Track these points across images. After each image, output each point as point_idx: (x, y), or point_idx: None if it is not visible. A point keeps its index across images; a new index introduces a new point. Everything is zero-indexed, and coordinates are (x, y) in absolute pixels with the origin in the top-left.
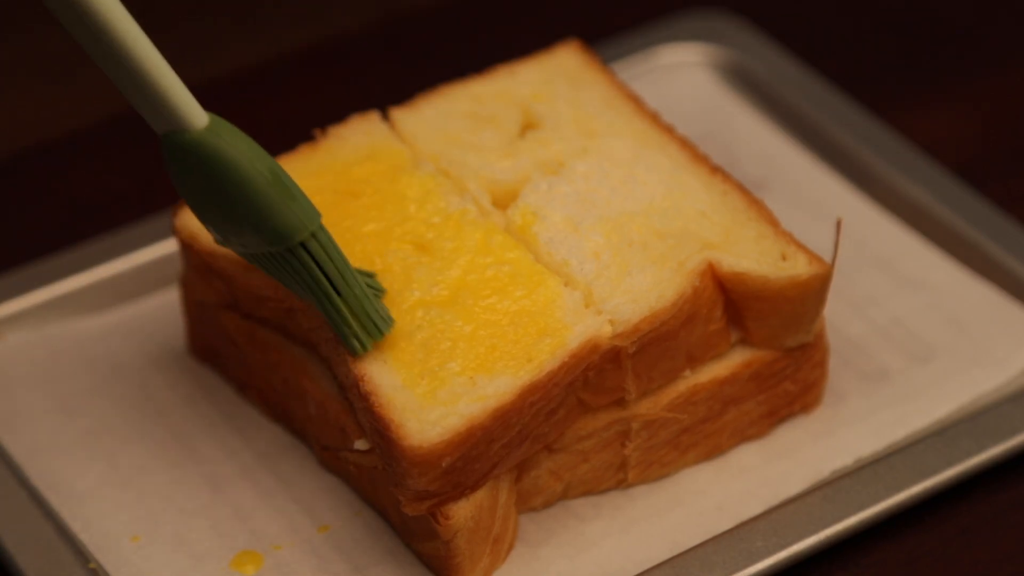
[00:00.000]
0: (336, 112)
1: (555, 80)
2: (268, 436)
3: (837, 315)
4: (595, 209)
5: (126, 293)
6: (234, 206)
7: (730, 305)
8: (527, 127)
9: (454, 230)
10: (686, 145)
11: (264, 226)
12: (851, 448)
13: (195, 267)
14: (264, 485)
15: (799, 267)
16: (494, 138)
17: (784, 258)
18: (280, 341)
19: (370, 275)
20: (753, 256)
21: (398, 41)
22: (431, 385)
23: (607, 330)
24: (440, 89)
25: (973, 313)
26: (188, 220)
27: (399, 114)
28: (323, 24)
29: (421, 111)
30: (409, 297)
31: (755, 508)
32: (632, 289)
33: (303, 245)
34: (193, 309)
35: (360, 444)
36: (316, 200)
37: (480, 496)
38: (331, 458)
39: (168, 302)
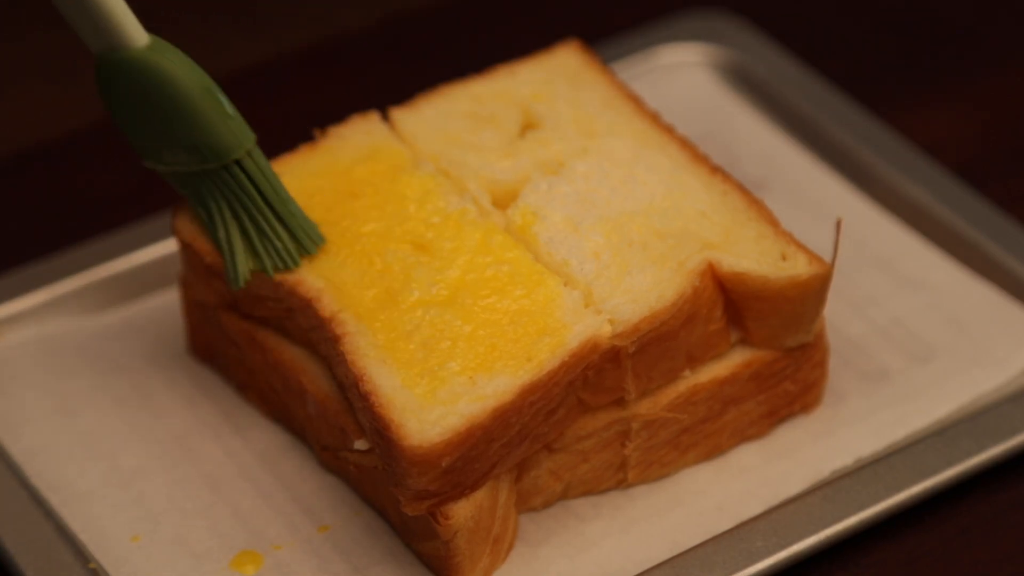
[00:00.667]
0: (336, 112)
1: (555, 80)
2: (268, 436)
3: (837, 315)
4: (595, 209)
5: (126, 293)
6: (170, 123)
7: (730, 305)
8: (527, 127)
9: (454, 230)
10: (686, 145)
11: (202, 143)
12: (851, 448)
13: (195, 267)
14: (264, 485)
15: (799, 267)
16: (494, 138)
17: (784, 258)
18: (280, 341)
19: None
20: (753, 256)
21: (398, 41)
22: (431, 385)
23: (607, 330)
24: (440, 89)
25: (973, 313)
26: (188, 220)
27: (399, 114)
28: (323, 24)
29: (421, 111)
30: (409, 297)
31: (755, 508)
32: (632, 289)
33: (239, 163)
34: (193, 309)
35: (360, 444)
36: (316, 200)
37: (480, 496)
38: (331, 458)
39: (168, 302)
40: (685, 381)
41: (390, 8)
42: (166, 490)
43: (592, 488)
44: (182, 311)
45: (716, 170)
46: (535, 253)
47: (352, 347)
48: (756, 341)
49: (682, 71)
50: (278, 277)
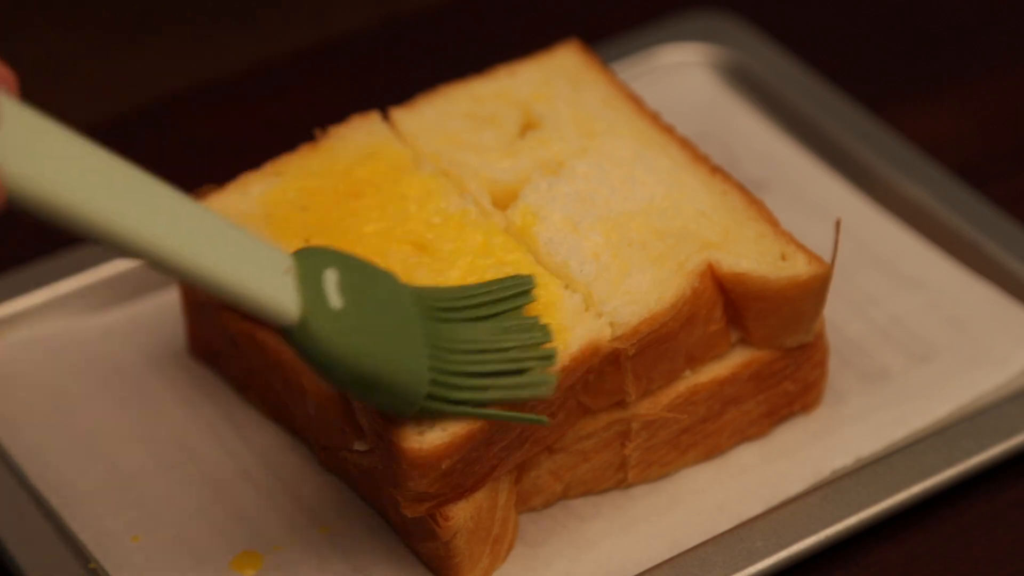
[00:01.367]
0: (336, 112)
1: (555, 80)
2: (268, 436)
3: (837, 315)
4: (595, 209)
5: (126, 293)
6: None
7: (730, 305)
8: (527, 127)
9: (455, 231)
10: (686, 145)
11: (382, 404)
12: (851, 448)
13: None
14: (264, 485)
15: (799, 267)
16: (494, 138)
17: (784, 258)
18: (280, 341)
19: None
20: (753, 256)
21: (398, 41)
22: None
23: (607, 333)
24: (440, 89)
25: (973, 313)
26: None
27: (399, 114)
28: (323, 24)
29: (421, 111)
30: None
31: (755, 508)
32: (632, 290)
33: (424, 409)
34: (193, 309)
35: (360, 445)
36: (316, 200)
37: (480, 497)
38: (331, 458)
39: (168, 302)
40: (685, 381)
41: (390, 8)
42: (166, 490)
43: (592, 488)
44: (182, 311)
45: (716, 170)
46: (535, 253)
47: None
48: (756, 341)
49: (682, 71)
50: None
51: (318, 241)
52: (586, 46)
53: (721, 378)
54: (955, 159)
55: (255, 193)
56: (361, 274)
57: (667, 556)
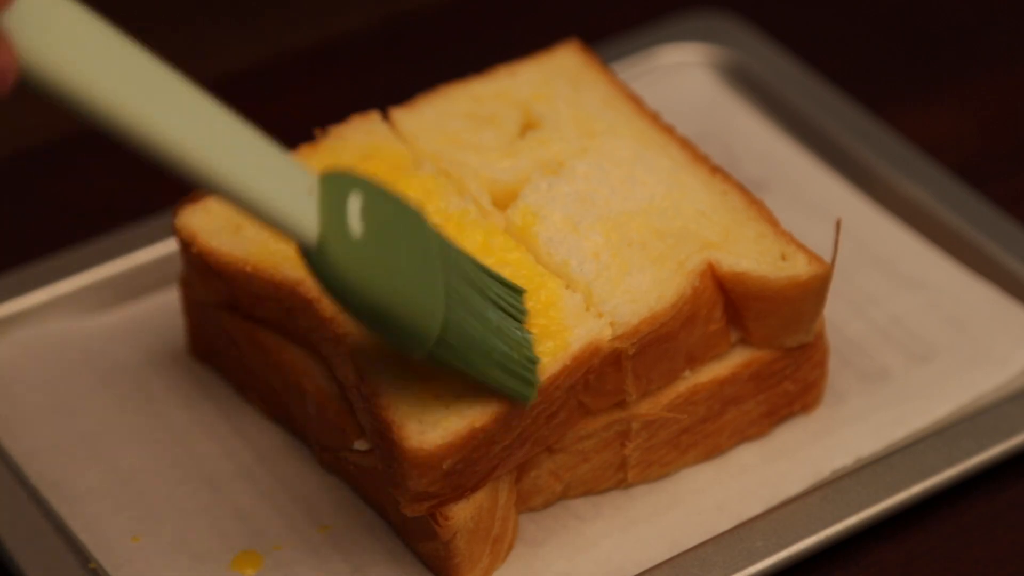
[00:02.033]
0: (336, 112)
1: (555, 80)
2: (268, 436)
3: (837, 315)
4: (595, 209)
5: (126, 293)
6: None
7: (730, 305)
8: (527, 127)
9: (455, 230)
10: (686, 145)
11: (392, 341)
12: (851, 448)
13: (195, 267)
14: (264, 485)
15: (799, 267)
16: (494, 138)
17: (784, 258)
18: (280, 341)
19: (513, 293)
20: (753, 256)
21: (398, 41)
22: (432, 387)
23: (608, 333)
24: (440, 89)
25: (973, 313)
26: (188, 220)
27: (399, 114)
28: (323, 24)
29: (421, 111)
30: None
31: (755, 508)
32: (632, 290)
33: (432, 353)
34: (193, 309)
35: (360, 444)
36: None
37: (480, 497)
38: (331, 458)
39: (168, 302)
40: (685, 381)
41: (390, 8)
42: (166, 490)
43: (592, 488)
44: (182, 311)
45: (716, 170)
46: (535, 253)
47: (353, 347)
48: (756, 341)
49: (682, 71)
50: (279, 277)
51: None
52: (586, 46)
53: (721, 378)
54: (955, 159)
55: None
56: (387, 205)
57: (667, 556)
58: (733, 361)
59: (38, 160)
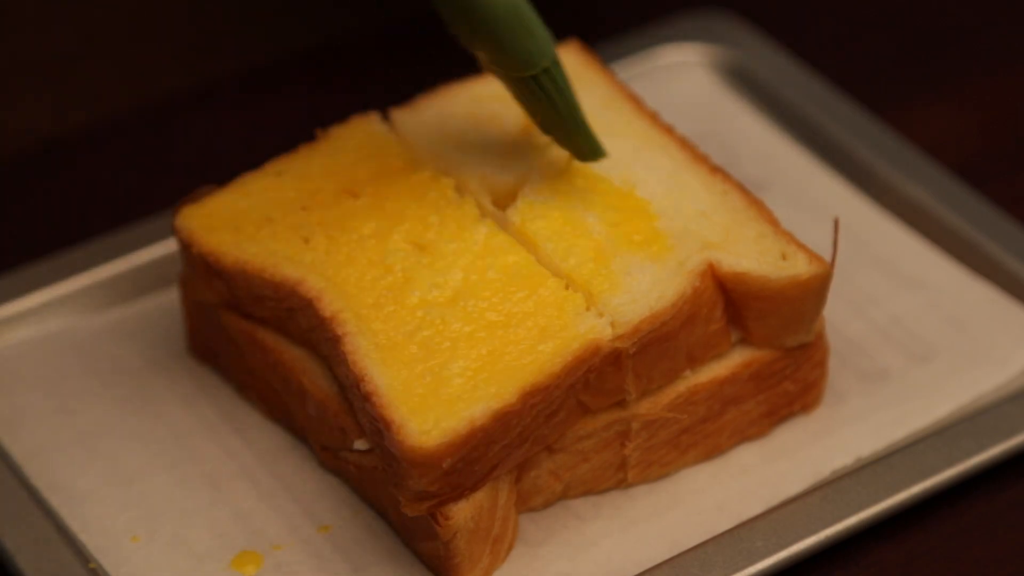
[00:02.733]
0: (336, 112)
1: None
2: (268, 436)
3: (837, 315)
4: (595, 209)
5: (126, 293)
6: (481, 35)
7: (730, 305)
8: (527, 127)
9: (455, 230)
10: (686, 145)
11: (503, 55)
12: (851, 448)
13: (195, 267)
14: (264, 485)
15: (799, 267)
16: (494, 138)
17: (784, 258)
18: (280, 341)
19: None
20: (753, 256)
21: (398, 41)
22: (432, 386)
23: (608, 332)
24: (440, 90)
25: (973, 313)
26: (188, 220)
27: (399, 114)
28: (323, 24)
29: (421, 112)
30: (410, 297)
31: (755, 508)
32: (632, 289)
33: (535, 78)
34: (193, 309)
35: (360, 444)
36: (317, 200)
37: (480, 497)
38: (331, 458)
39: (168, 302)
40: (685, 381)
41: (391, 8)
42: (166, 490)
43: (592, 488)
44: (182, 311)
45: (716, 170)
46: (535, 253)
47: (353, 347)
48: (756, 341)
49: (682, 71)
50: (279, 277)
51: (318, 242)
52: (586, 46)
53: (721, 378)
54: (955, 159)
55: (255, 193)
56: None
57: (667, 556)
58: (733, 361)
59: (38, 160)
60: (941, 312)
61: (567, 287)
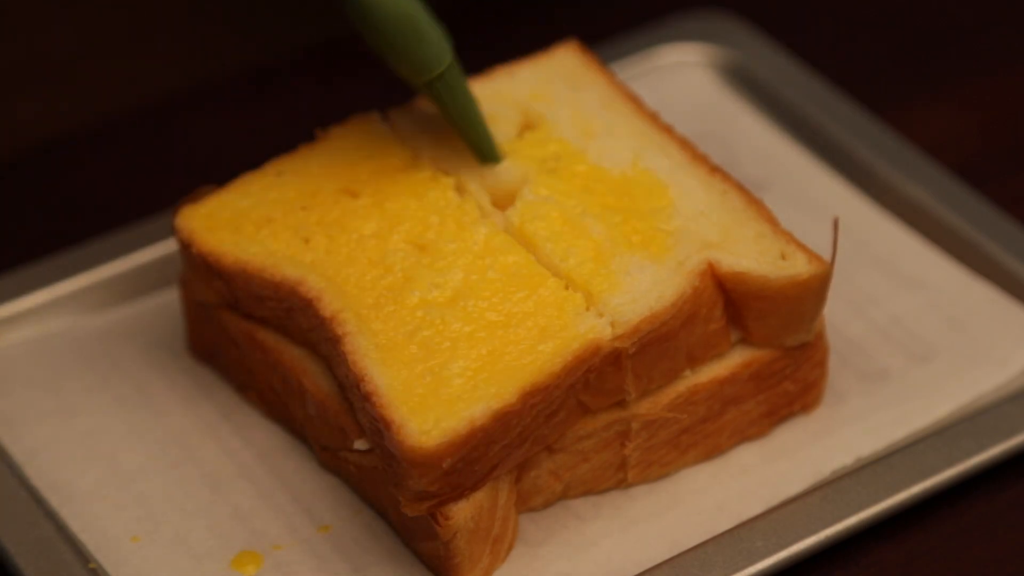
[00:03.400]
0: (336, 112)
1: (554, 81)
2: (268, 436)
3: (837, 315)
4: (594, 209)
5: (126, 293)
6: (379, 43)
7: (730, 305)
8: (526, 127)
9: (454, 230)
10: (686, 145)
11: (399, 62)
12: (851, 448)
13: (195, 267)
14: (264, 485)
15: (799, 266)
16: (494, 138)
17: (784, 257)
18: (280, 341)
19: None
20: (753, 255)
21: None
22: (432, 386)
23: (608, 332)
24: None
25: (973, 313)
26: (188, 220)
27: (399, 114)
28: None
29: (421, 112)
30: (410, 297)
31: (755, 508)
32: (632, 289)
33: (429, 84)
34: (193, 309)
35: (360, 444)
36: (316, 200)
37: (480, 497)
38: (331, 458)
39: (168, 302)
40: (685, 381)
41: None
42: (166, 490)
43: (592, 488)
44: (182, 311)
45: (715, 170)
46: (535, 253)
47: (353, 347)
48: (756, 341)
49: (682, 71)
50: (279, 277)
51: (318, 242)
52: (585, 47)
53: (721, 378)
54: (955, 159)
55: (255, 193)
56: None
57: (667, 556)
58: (733, 361)
59: (38, 160)
60: (941, 312)
61: (567, 287)
